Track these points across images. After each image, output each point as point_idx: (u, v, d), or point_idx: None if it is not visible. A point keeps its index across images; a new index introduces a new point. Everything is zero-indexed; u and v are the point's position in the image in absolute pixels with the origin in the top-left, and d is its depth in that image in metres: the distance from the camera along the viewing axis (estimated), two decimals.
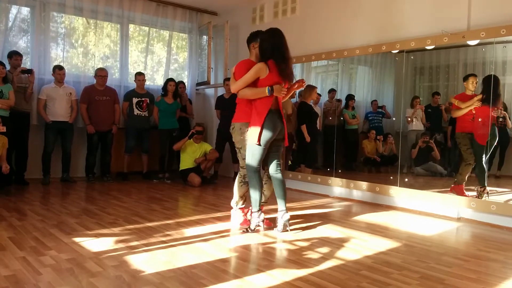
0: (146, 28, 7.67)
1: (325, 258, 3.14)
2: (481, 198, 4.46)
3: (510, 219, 4.19)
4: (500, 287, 2.64)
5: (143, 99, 6.95)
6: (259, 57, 3.80)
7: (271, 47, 3.70)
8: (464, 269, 2.95)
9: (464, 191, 4.68)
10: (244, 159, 3.86)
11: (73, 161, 6.61)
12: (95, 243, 3.31)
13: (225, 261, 3.00)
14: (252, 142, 3.71)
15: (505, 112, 4.65)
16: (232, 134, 3.96)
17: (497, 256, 3.28)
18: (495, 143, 4.59)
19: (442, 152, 5.68)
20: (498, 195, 4.50)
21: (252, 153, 3.74)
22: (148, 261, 2.94)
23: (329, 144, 6.17)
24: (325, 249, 3.36)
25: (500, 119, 4.61)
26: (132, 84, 7.20)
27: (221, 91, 7.51)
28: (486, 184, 4.55)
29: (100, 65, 7.00)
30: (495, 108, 4.54)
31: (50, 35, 6.66)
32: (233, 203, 4.12)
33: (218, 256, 3.10)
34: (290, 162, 6.68)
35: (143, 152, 7.06)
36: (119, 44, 7.34)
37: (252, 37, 3.95)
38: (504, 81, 4.62)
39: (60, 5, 6.66)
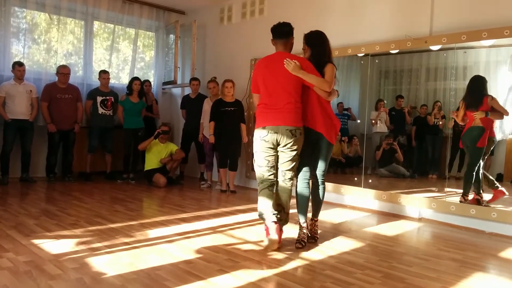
0: (112, 26, 7.52)
1: (290, 258, 3.15)
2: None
3: (468, 220, 4.32)
4: (459, 286, 2.71)
5: (107, 97, 6.81)
6: (326, 58, 3.69)
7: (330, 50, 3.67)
8: (425, 268, 3.02)
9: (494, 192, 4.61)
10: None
11: (33, 160, 6.40)
12: (54, 245, 3.22)
13: (189, 262, 2.97)
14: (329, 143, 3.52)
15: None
16: (294, 139, 3.38)
17: (456, 256, 3.38)
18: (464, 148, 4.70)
19: (405, 154, 5.81)
20: (457, 196, 4.63)
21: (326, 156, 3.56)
22: (110, 263, 2.88)
23: None
24: (290, 250, 3.38)
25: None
26: (95, 82, 7.04)
27: (187, 90, 7.44)
28: (467, 192, 4.54)
29: (63, 62, 6.80)
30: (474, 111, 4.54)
31: (11, 31, 6.44)
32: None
33: (182, 257, 3.07)
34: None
35: (107, 152, 6.92)
36: (83, 41, 7.17)
37: (292, 30, 3.61)
38: (465, 86, 4.73)
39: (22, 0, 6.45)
